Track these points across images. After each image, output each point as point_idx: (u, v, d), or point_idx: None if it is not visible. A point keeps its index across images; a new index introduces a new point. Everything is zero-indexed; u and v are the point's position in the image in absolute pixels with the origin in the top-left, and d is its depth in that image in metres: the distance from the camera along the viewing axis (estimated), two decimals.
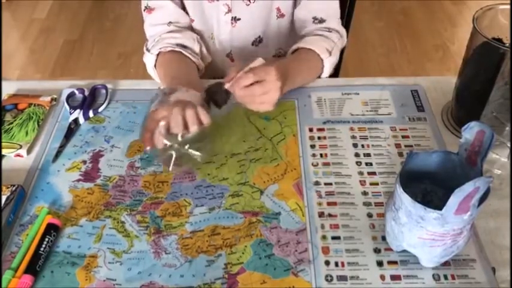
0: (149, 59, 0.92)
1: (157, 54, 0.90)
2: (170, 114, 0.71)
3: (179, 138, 0.71)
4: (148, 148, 0.73)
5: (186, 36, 0.93)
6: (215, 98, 0.76)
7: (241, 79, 0.74)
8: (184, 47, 0.91)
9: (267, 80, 0.75)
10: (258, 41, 1.02)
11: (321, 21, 0.94)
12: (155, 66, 0.91)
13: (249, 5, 0.95)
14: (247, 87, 0.75)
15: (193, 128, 0.71)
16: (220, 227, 0.70)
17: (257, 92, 0.75)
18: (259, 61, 0.78)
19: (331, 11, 0.95)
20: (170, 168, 0.74)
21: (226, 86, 0.76)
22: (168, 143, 0.71)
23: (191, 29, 0.98)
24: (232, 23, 0.97)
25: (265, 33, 1.01)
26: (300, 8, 0.96)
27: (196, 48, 0.93)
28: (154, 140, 0.72)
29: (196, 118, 0.71)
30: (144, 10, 0.95)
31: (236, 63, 0.77)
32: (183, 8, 0.96)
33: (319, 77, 0.94)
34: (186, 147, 0.73)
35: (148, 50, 0.92)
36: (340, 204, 0.72)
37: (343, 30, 0.97)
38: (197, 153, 0.74)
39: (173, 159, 0.73)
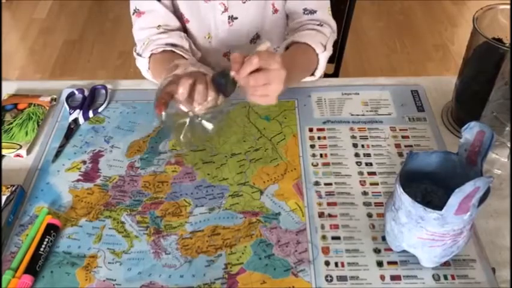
0: (142, 63, 0.91)
1: (149, 57, 0.90)
2: (192, 81, 0.67)
3: (197, 107, 0.69)
4: (162, 113, 0.69)
5: (173, 36, 0.92)
6: (223, 86, 0.69)
7: (245, 64, 0.68)
8: (174, 45, 0.91)
9: (271, 69, 0.69)
10: (255, 39, 1.02)
11: (312, 12, 0.94)
12: (149, 68, 0.91)
13: (245, 2, 0.95)
14: (250, 74, 0.68)
15: (211, 100, 0.69)
16: (220, 227, 0.70)
17: (260, 80, 0.68)
18: (265, 45, 0.71)
19: (322, 2, 0.96)
20: (182, 137, 0.72)
21: (233, 73, 0.69)
22: (186, 110, 0.69)
23: (181, 31, 0.98)
24: (229, 22, 0.97)
25: (262, 30, 1.01)
26: (291, 1, 0.96)
27: (186, 45, 0.93)
28: (178, 97, 0.68)
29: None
30: (133, 14, 0.94)
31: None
32: (174, 12, 0.96)
33: (313, 73, 0.92)
34: (200, 117, 0.71)
35: (139, 55, 0.91)
36: (340, 204, 0.72)
37: (333, 23, 0.97)
38: (210, 124, 0.72)
39: (185, 127, 0.71)
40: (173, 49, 0.89)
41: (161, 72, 0.88)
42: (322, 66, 0.91)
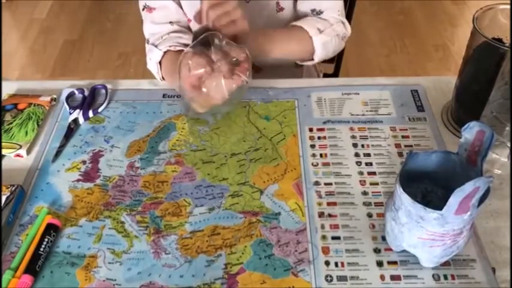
0: (155, 54, 0.91)
1: (165, 52, 0.90)
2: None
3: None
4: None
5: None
6: (203, 32, 0.76)
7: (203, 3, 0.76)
8: None
9: None
10: None
11: (319, 12, 0.96)
12: (160, 62, 0.91)
13: (248, 2, 0.95)
14: (216, 7, 0.75)
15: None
16: (220, 227, 0.70)
17: (228, 6, 0.75)
18: None
19: (331, 3, 0.96)
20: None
21: (204, 22, 0.77)
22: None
23: (189, 29, 0.98)
24: None
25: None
26: (301, 1, 0.97)
27: None
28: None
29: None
30: (143, 9, 0.95)
31: None
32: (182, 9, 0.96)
33: (312, 58, 0.94)
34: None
35: (155, 46, 0.91)
36: (340, 204, 0.72)
37: (345, 20, 0.98)
38: (244, 77, 0.76)
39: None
40: None
41: (174, 69, 0.88)
42: (319, 49, 0.92)
